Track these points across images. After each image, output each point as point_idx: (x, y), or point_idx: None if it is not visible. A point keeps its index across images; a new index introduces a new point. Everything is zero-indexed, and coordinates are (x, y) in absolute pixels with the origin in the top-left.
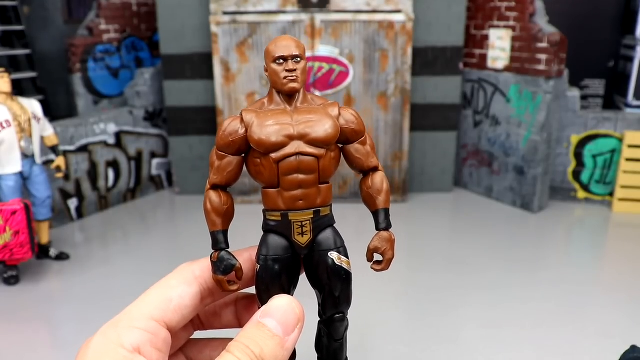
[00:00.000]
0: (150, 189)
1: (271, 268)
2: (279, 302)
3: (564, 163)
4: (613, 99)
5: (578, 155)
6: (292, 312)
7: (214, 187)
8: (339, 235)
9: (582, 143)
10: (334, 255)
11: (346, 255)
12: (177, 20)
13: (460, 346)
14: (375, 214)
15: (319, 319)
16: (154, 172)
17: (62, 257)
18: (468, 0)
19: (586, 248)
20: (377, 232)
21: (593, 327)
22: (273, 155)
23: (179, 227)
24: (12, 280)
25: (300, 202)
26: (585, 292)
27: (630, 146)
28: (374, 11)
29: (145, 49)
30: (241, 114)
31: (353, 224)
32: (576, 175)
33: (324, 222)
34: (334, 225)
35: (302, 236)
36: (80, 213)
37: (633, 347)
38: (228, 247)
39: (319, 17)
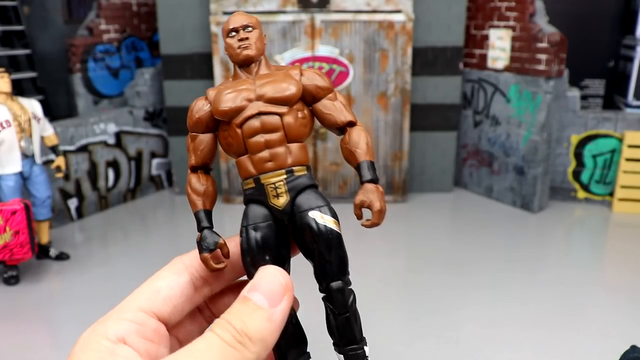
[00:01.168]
0: (150, 189)
1: (252, 238)
2: (263, 274)
3: (564, 163)
4: (613, 99)
5: (578, 155)
6: (277, 281)
7: (194, 169)
8: (321, 195)
9: (582, 143)
10: (315, 214)
11: (332, 215)
12: (177, 20)
13: (460, 346)
14: (357, 168)
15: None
16: (154, 172)
17: (62, 257)
18: (468, 0)
19: (586, 248)
20: (361, 185)
21: (593, 327)
22: (235, 120)
23: (179, 227)
24: (12, 280)
25: (269, 163)
26: (585, 292)
27: (630, 146)
28: (374, 11)
29: (145, 49)
30: (206, 93)
31: (353, 224)
32: (576, 175)
33: (301, 182)
34: (317, 186)
35: (278, 199)
36: (80, 213)
37: (633, 347)
38: (211, 226)
39: (319, 17)
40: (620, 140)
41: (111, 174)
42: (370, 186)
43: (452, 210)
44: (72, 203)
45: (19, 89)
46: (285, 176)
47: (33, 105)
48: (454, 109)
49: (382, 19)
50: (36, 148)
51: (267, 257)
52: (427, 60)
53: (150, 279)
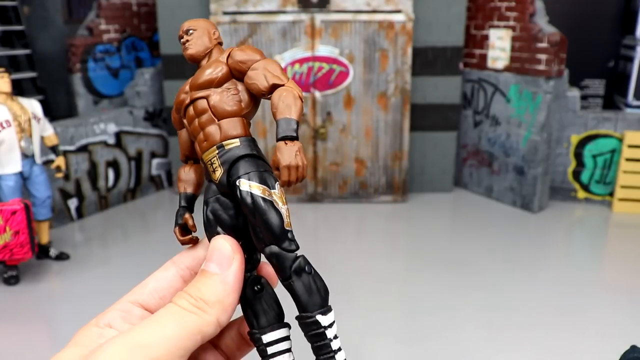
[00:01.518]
0: (150, 189)
1: (204, 213)
2: (212, 244)
3: (564, 163)
4: (613, 99)
5: (578, 155)
6: (224, 247)
7: (184, 162)
8: (253, 162)
9: (582, 143)
10: (239, 182)
11: (261, 181)
12: (177, 20)
13: (460, 346)
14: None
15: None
16: (154, 172)
17: (62, 257)
18: (468, 0)
19: (586, 248)
20: None
21: (593, 327)
22: (181, 113)
23: None
24: (12, 280)
25: (205, 143)
26: (585, 293)
27: (630, 146)
28: (374, 11)
29: (145, 49)
30: None
31: (353, 224)
32: (576, 175)
33: (232, 154)
34: (253, 155)
35: (215, 173)
36: (80, 213)
37: (633, 347)
38: (187, 206)
39: (319, 17)
40: (620, 140)
41: (111, 174)
42: (279, 144)
43: (452, 210)
44: (72, 203)
45: (19, 89)
46: (217, 151)
47: (33, 105)
48: (454, 109)
49: (382, 19)
50: (36, 148)
51: (219, 229)
52: (427, 60)
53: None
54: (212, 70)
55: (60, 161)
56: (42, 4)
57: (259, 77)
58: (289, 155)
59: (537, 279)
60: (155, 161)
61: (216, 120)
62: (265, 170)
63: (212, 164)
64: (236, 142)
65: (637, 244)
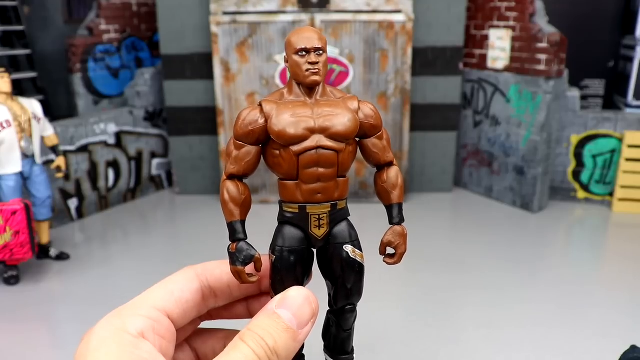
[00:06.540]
0: (150, 189)
1: (287, 259)
2: (295, 294)
3: (564, 163)
4: (613, 99)
5: (578, 155)
6: (308, 305)
7: (231, 177)
8: (353, 228)
9: (582, 143)
10: (348, 248)
11: (360, 249)
12: (177, 20)
13: (460, 346)
14: (389, 208)
15: (328, 308)
16: (154, 172)
17: (62, 257)
18: (468, 0)
19: (586, 248)
20: (390, 226)
21: (593, 327)
22: (294, 148)
23: (179, 227)
24: (12, 280)
25: (319, 195)
26: (585, 292)
27: (630, 146)
28: (374, 11)
29: (145, 49)
30: (260, 104)
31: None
32: (576, 175)
33: (340, 215)
34: (349, 218)
35: (319, 229)
36: (80, 213)
37: (633, 347)
38: (246, 238)
39: (319, 17)
40: (620, 140)
41: (111, 174)
42: (399, 229)
43: (452, 210)
44: (72, 203)
45: (19, 89)
46: (329, 209)
47: (33, 106)
48: (454, 109)
49: (382, 19)
50: (36, 148)
51: (295, 277)
52: (427, 60)
53: (163, 281)
54: (351, 124)
55: (60, 161)
56: (42, 4)
57: (383, 150)
58: (406, 243)
59: (537, 278)
60: (155, 161)
61: (337, 176)
62: (358, 235)
63: (319, 219)
64: (344, 204)
65: (637, 244)
